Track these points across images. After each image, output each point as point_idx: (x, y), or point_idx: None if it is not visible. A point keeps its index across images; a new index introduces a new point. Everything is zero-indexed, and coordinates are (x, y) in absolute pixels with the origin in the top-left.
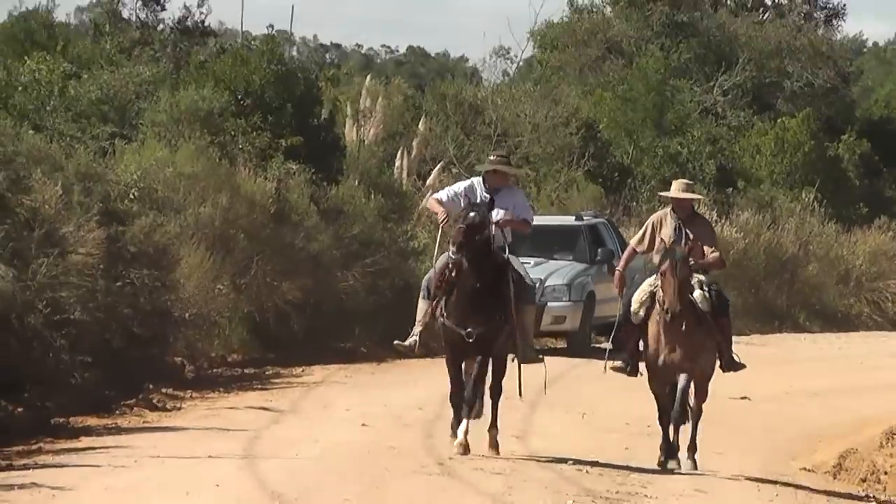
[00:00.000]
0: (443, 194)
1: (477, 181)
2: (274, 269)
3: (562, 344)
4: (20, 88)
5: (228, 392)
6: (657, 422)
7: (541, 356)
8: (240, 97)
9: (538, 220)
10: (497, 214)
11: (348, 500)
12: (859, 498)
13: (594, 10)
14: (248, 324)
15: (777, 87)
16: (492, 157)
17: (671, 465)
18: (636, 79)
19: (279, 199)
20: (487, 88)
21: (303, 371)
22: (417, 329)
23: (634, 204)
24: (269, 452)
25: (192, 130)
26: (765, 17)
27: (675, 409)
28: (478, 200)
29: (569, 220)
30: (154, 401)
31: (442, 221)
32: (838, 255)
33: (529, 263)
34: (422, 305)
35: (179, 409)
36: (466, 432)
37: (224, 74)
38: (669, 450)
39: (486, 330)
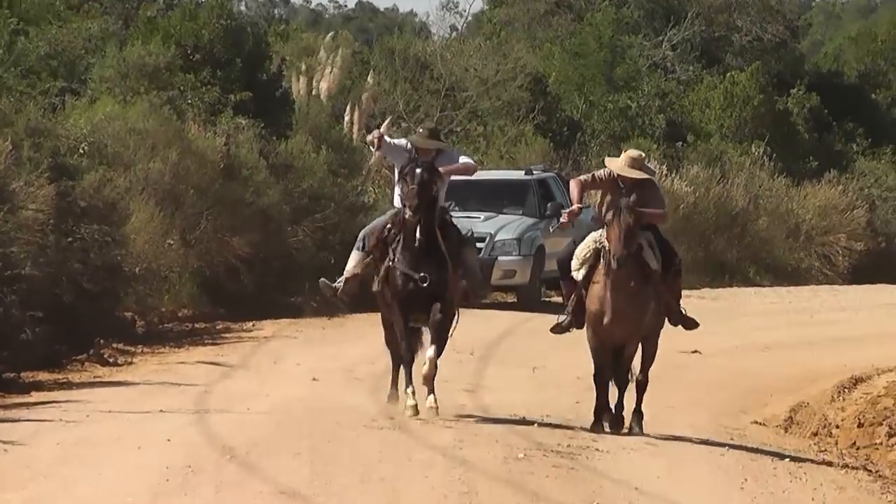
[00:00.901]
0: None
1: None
2: (223, 224)
3: (512, 298)
4: None
5: (179, 347)
6: (592, 380)
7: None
8: (189, 52)
9: (488, 175)
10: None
11: (299, 453)
12: (805, 460)
13: None
14: (197, 279)
15: (726, 41)
16: (420, 130)
17: (603, 426)
18: (587, 34)
19: (228, 154)
20: (436, 43)
21: (253, 326)
22: (345, 276)
23: (584, 158)
24: (220, 407)
25: (140, 86)
26: None
27: (619, 377)
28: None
29: (518, 174)
30: (105, 356)
31: (374, 140)
32: (788, 210)
33: (479, 218)
34: (355, 256)
35: (130, 363)
36: (414, 393)
37: (173, 29)
38: (601, 409)
39: (439, 276)
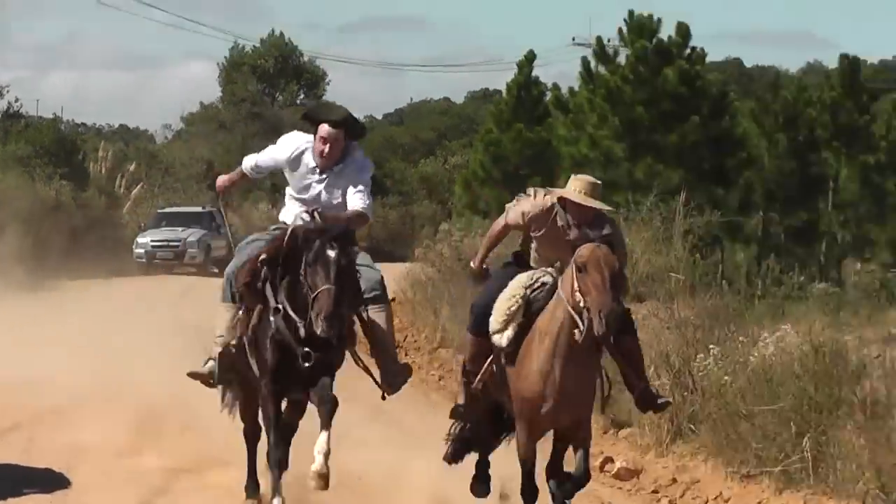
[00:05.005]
0: (260, 158)
1: (307, 143)
2: None
3: None
4: None
5: None
6: (520, 494)
7: (409, 371)
8: None
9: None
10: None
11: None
12: None
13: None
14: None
15: None
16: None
17: None
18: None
19: None
20: None
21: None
22: (217, 349)
23: None
24: None
25: None
26: None
27: (566, 487)
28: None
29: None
30: None
31: (220, 189)
32: None
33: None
34: (224, 313)
35: None
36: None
37: None
38: None
39: (329, 350)
